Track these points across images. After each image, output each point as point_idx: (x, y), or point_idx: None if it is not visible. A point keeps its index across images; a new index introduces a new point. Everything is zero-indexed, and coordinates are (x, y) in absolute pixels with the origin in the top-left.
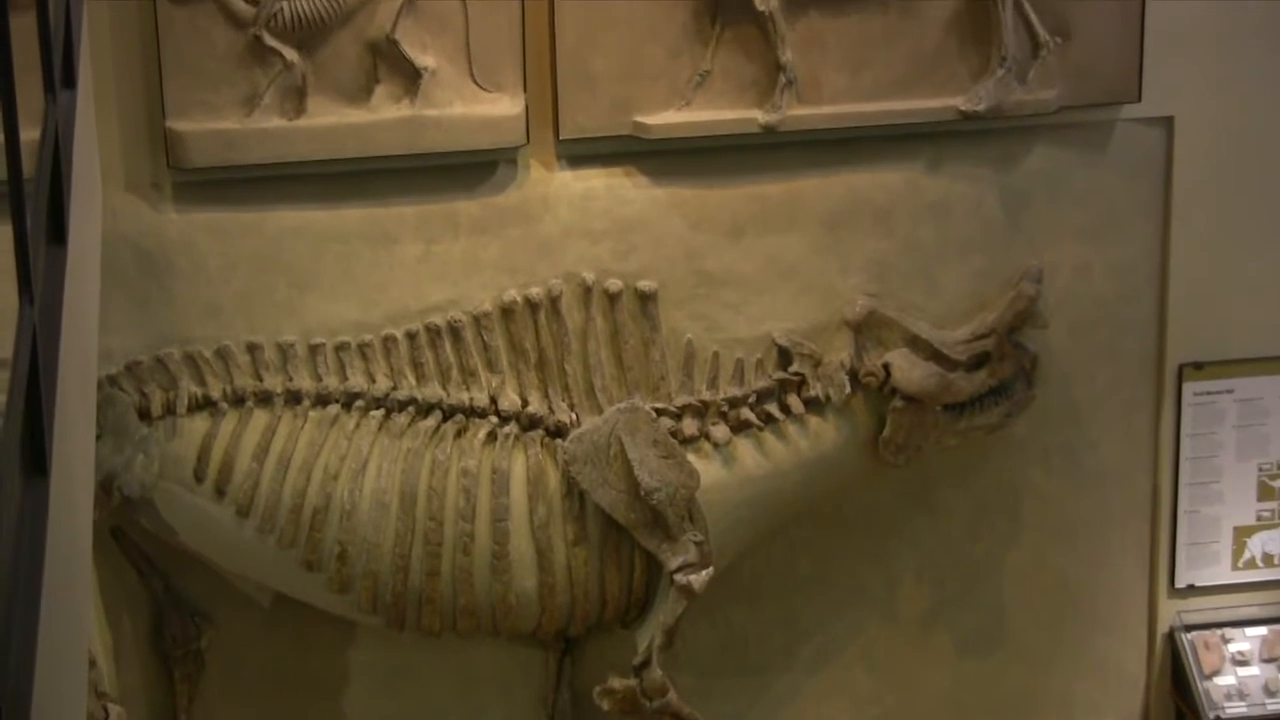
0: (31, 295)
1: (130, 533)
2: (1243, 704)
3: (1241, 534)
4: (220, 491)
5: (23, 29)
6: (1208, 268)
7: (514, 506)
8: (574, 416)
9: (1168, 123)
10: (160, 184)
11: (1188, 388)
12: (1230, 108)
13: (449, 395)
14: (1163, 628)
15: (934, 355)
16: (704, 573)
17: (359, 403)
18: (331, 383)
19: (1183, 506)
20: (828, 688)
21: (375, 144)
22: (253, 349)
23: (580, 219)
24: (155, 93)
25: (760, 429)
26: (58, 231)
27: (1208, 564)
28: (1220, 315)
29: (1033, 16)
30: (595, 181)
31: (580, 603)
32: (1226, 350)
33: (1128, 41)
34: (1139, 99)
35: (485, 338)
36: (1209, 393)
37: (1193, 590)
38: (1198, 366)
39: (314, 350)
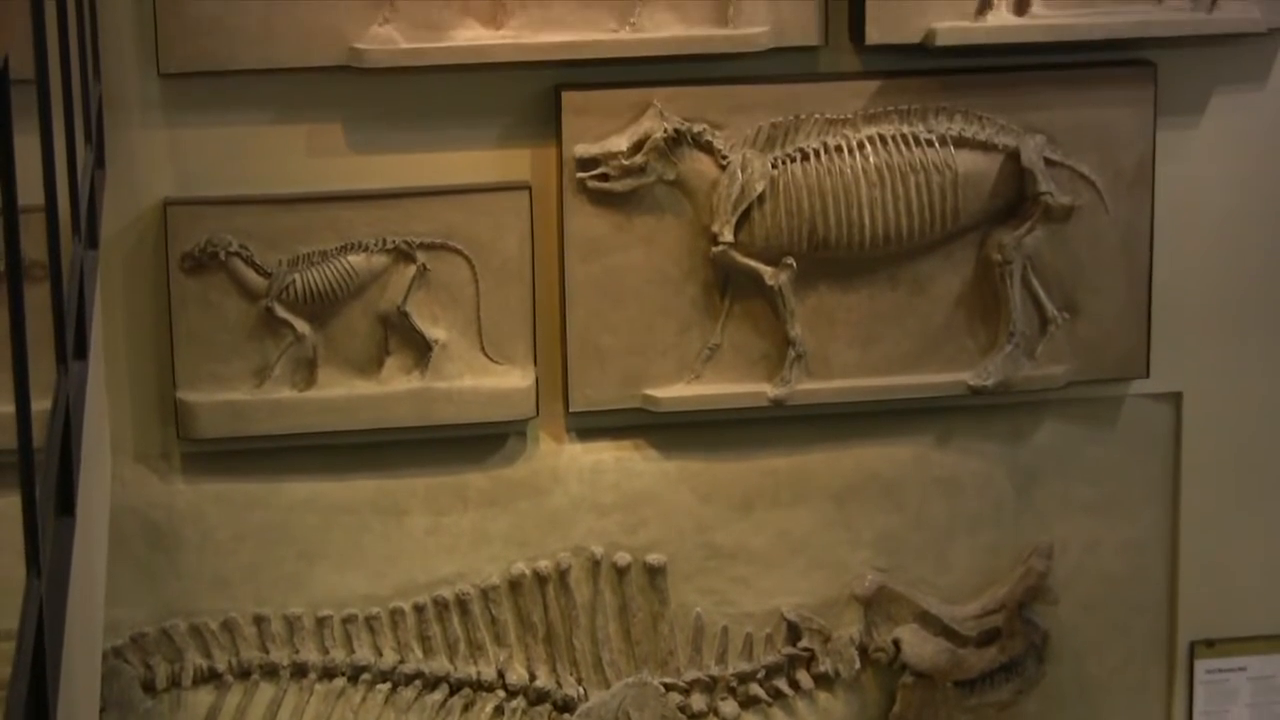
0: (39, 567)
1: None
2: None
3: None
4: None
5: (36, 298)
6: (1218, 544)
7: None
8: (582, 691)
9: (1176, 399)
10: (169, 455)
11: (1199, 665)
12: (1239, 384)
13: (456, 669)
14: None
15: (944, 631)
16: None
17: (365, 676)
18: (338, 655)
19: None
20: None
21: (385, 416)
22: (259, 621)
23: (589, 492)
24: (166, 364)
25: (769, 704)
26: (66, 503)
27: None
28: (1231, 592)
29: (1041, 292)
30: (605, 454)
31: None
32: (1238, 627)
33: (1135, 318)
34: (1147, 375)
35: (493, 611)
36: (1221, 670)
37: None
38: (1209, 644)
39: (321, 623)
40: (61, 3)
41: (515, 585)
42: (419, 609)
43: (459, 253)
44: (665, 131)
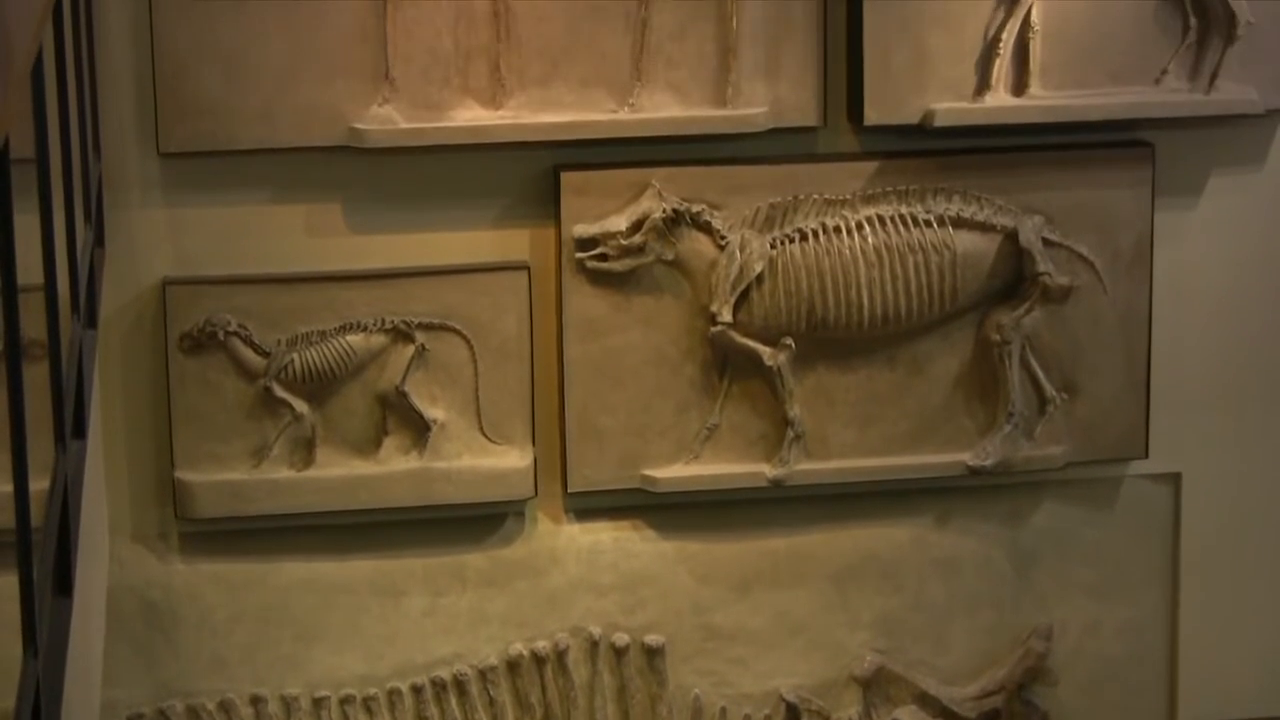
0: (36, 647)
1: None
2: None
3: None
4: None
5: (35, 377)
6: (1217, 626)
7: None
8: None
9: (1175, 479)
10: (167, 534)
11: None
12: (1238, 465)
13: None
14: None
15: (943, 712)
16: None
17: None
18: None
19: None
20: None
21: (383, 496)
22: (256, 702)
23: (588, 572)
24: (164, 443)
25: None
26: (64, 583)
27: None
28: (1230, 673)
29: (1039, 373)
30: (603, 535)
31: None
32: (1238, 709)
33: (1134, 398)
34: (1146, 455)
35: (491, 692)
36: None
37: None
38: None
39: (318, 704)
40: (62, 82)
41: (513, 666)
42: (417, 690)
43: (458, 332)
44: (664, 212)
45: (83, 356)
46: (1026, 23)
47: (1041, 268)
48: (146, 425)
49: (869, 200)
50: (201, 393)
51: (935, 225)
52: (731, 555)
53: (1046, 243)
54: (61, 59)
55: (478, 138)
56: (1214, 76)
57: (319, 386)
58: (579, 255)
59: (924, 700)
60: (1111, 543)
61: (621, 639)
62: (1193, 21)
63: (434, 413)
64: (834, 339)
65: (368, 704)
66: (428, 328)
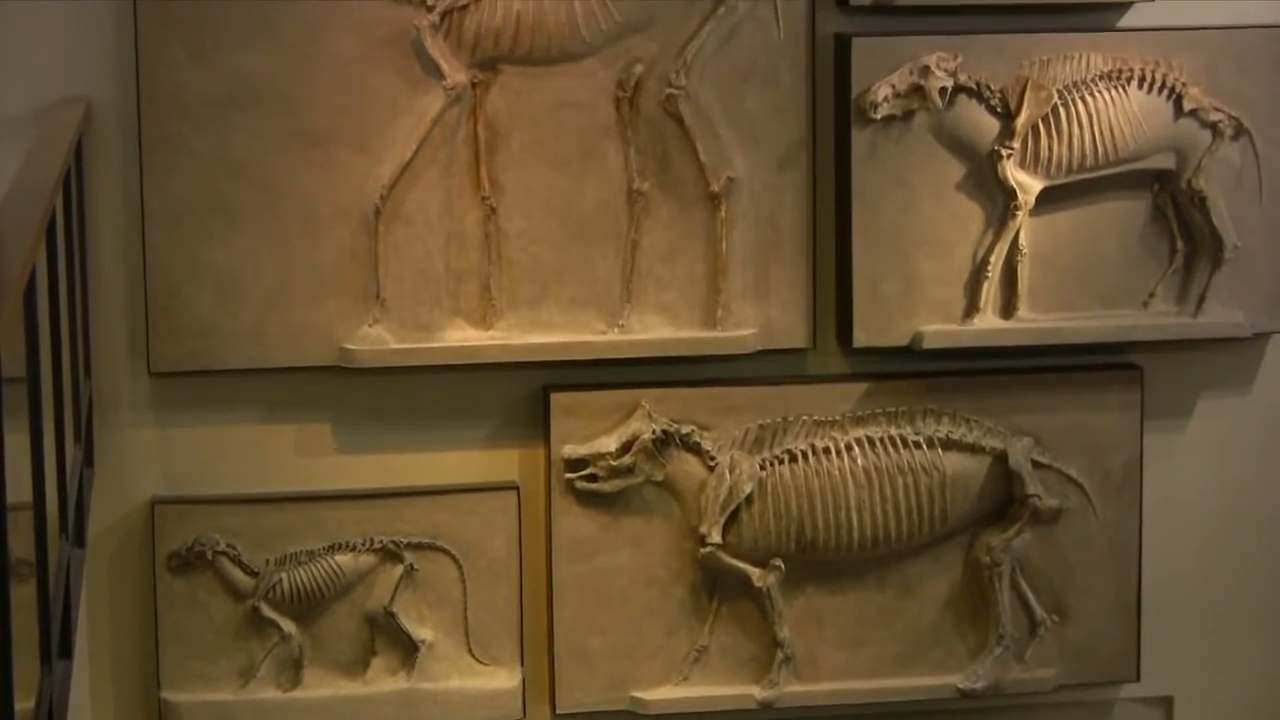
0: None
1: None
2: None
3: None
4: None
5: (22, 596)
6: None
7: None
8: None
9: (1167, 703)
10: None
11: None
12: (1229, 689)
13: None
14: None
15: None
16: None
17: None
18: None
19: None
20: None
21: (371, 717)
22: None
23: None
24: (151, 662)
25: None
26: None
27: None
28: None
29: (1029, 595)
30: None
31: None
32: None
33: (1125, 621)
34: (1138, 678)
35: None
36: None
37: None
38: None
39: None
40: (54, 301)
41: None
42: None
43: (446, 553)
44: (653, 433)
45: (70, 575)
46: (1015, 246)
47: (1031, 490)
48: (133, 644)
49: (858, 422)
50: (189, 612)
51: (925, 447)
52: None
53: (1036, 465)
54: (54, 278)
55: (468, 358)
56: (1201, 300)
57: (307, 606)
58: (568, 476)
59: None
60: None
61: None
62: (1180, 245)
63: (422, 633)
64: (824, 560)
65: None
66: (416, 547)
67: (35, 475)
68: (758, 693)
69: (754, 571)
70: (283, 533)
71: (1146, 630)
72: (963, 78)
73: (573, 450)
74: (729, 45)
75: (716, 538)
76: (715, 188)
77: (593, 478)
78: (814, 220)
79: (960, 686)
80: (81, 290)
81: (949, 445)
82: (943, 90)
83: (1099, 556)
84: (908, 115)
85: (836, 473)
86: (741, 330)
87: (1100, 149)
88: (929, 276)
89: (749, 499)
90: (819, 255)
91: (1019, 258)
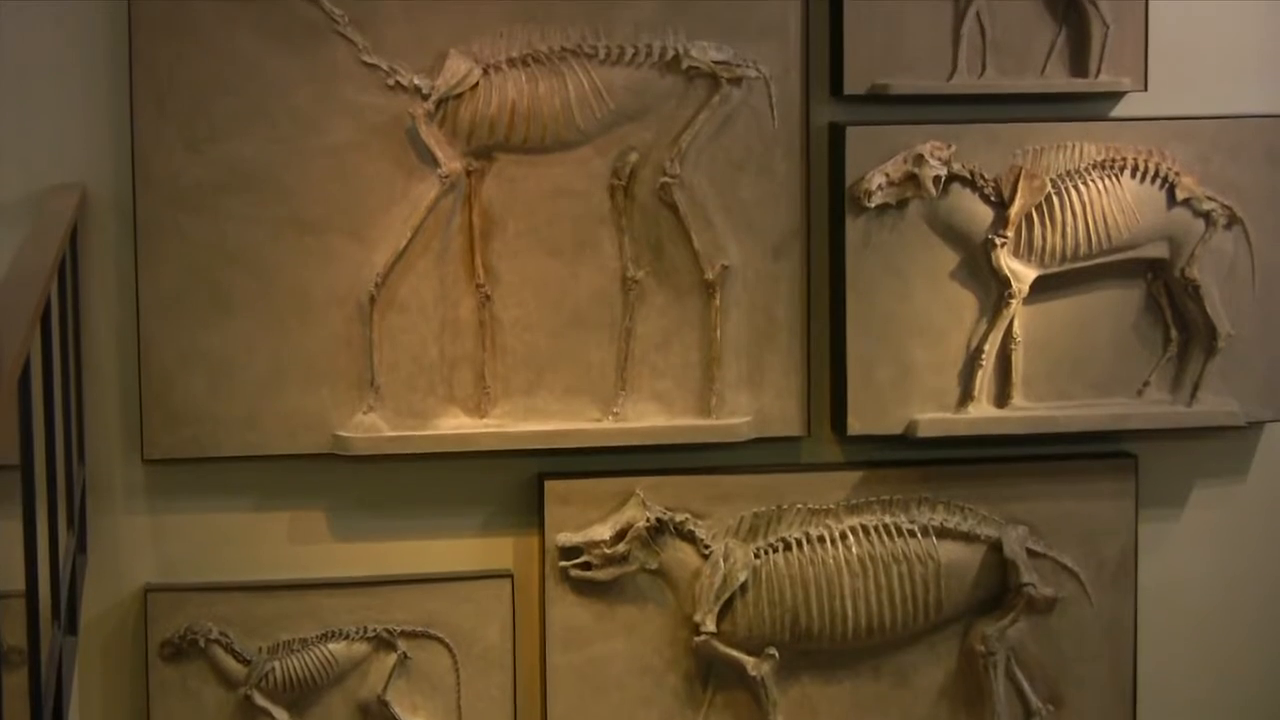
0: None
1: None
2: None
3: None
4: None
5: (14, 684)
6: None
7: None
8: None
9: None
10: None
11: None
12: None
13: None
14: None
15: None
16: None
17: None
18: None
19: None
20: None
21: None
22: None
23: None
24: None
25: None
26: None
27: None
28: None
29: (1025, 684)
30: None
31: None
32: None
33: (1120, 711)
34: None
35: None
36: None
37: None
38: None
39: None
40: (49, 388)
41: None
42: None
43: (440, 641)
44: (648, 521)
45: (62, 663)
46: (1009, 334)
47: (1026, 579)
48: None
49: (853, 510)
50: (181, 700)
51: (919, 535)
52: None
53: (1030, 553)
54: (49, 365)
55: (462, 446)
56: (1196, 388)
57: (300, 695)
58: (563, 564)
59: None
60: None
61: None
62: (1174, 334)
63: None
64: (819, 649)
65: None
66: (410, 636)
67: (28, 562)
68: None
69: (748, 660)
70: (276, 621)
71: (1142, 719)
72: (956, 166)
73: (567, 538)
74: (723, 134)
75: (711, 626)
76: (710, 276)
77: (587, 566)
78: (808, 308)
79: None
80: (76, 377)
81: (944, 534)
82: (937, 179)
83: (1094, 645)
84: (902, 204)
85: (831, 561)
86: (736, 418)
87: (1094, 238)
88: (923, 365)
89: (743, 587)
90: (813, 343)
91: (1013, 346)
